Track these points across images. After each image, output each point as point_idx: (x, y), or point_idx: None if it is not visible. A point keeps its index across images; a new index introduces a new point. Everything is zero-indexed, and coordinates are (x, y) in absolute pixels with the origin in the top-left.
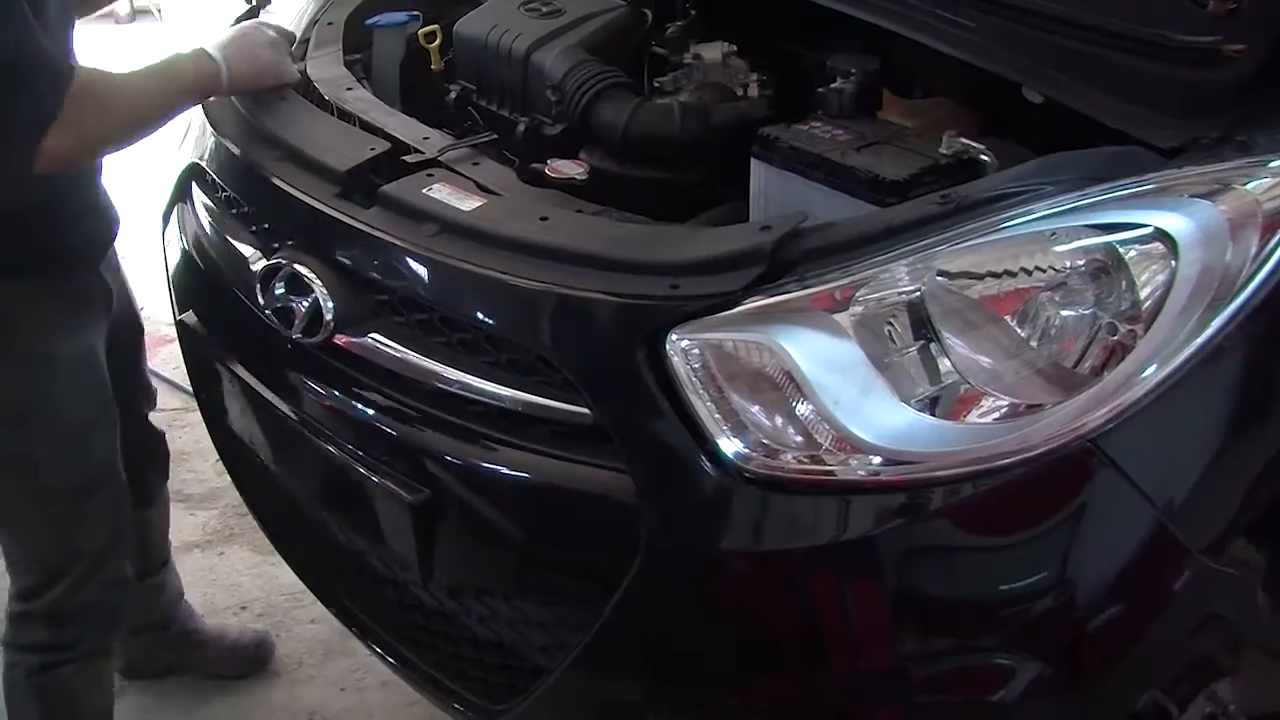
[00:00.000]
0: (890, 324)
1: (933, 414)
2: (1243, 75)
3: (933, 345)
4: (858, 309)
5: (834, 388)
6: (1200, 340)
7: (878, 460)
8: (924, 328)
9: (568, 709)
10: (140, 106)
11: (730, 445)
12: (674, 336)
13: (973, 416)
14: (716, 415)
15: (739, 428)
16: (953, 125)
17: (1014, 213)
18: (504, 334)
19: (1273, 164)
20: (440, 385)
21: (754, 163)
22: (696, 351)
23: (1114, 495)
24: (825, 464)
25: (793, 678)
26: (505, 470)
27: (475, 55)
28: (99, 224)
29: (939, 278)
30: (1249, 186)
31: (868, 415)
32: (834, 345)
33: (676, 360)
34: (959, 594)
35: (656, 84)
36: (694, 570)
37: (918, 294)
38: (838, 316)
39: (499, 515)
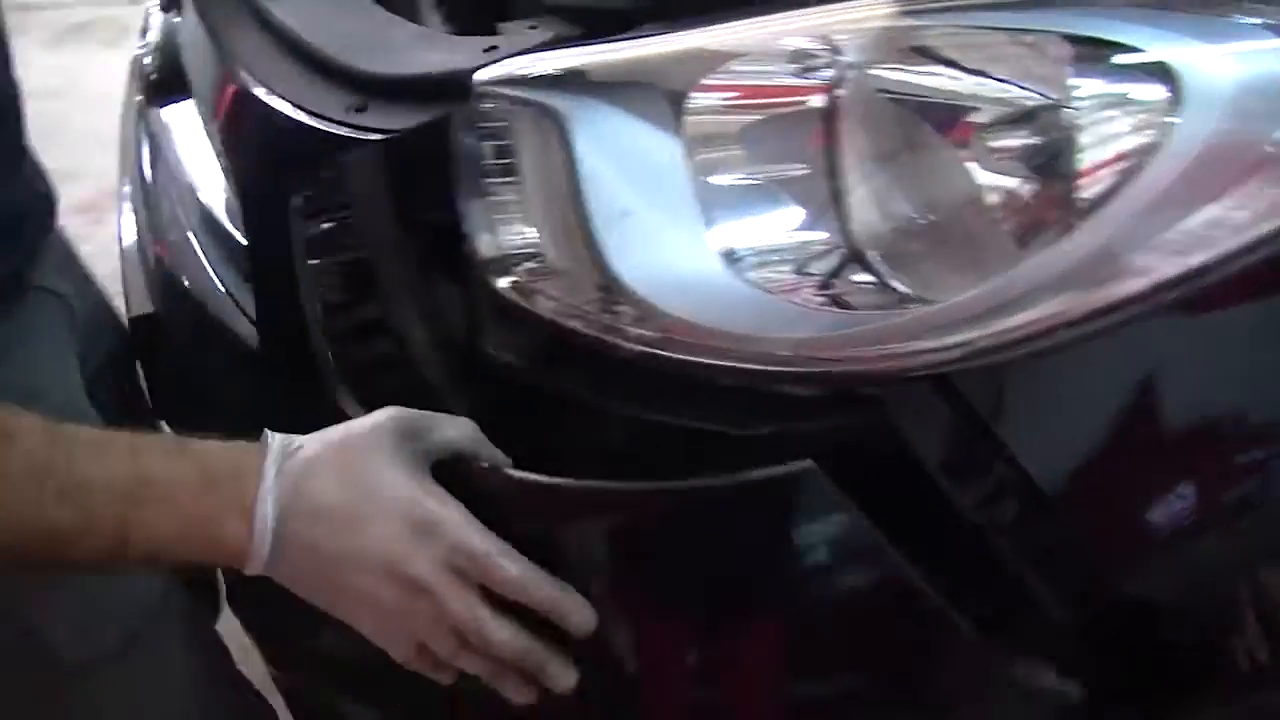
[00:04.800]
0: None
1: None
2: None
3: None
4: (708, 98)
5: (617, 197)
6: (1175, 271)
7: (637, 318)
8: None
9: None
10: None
11: (489, 244)
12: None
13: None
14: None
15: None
16: None
17: None
18: None
19: None
20: None
21: None
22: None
23: None
24: (578, 301)
25: None
26: None
27: None
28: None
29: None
30: None
31: (651, 251)
32: (647, 136)
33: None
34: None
35: None
36: None
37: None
38: (670, 89)
39: None
